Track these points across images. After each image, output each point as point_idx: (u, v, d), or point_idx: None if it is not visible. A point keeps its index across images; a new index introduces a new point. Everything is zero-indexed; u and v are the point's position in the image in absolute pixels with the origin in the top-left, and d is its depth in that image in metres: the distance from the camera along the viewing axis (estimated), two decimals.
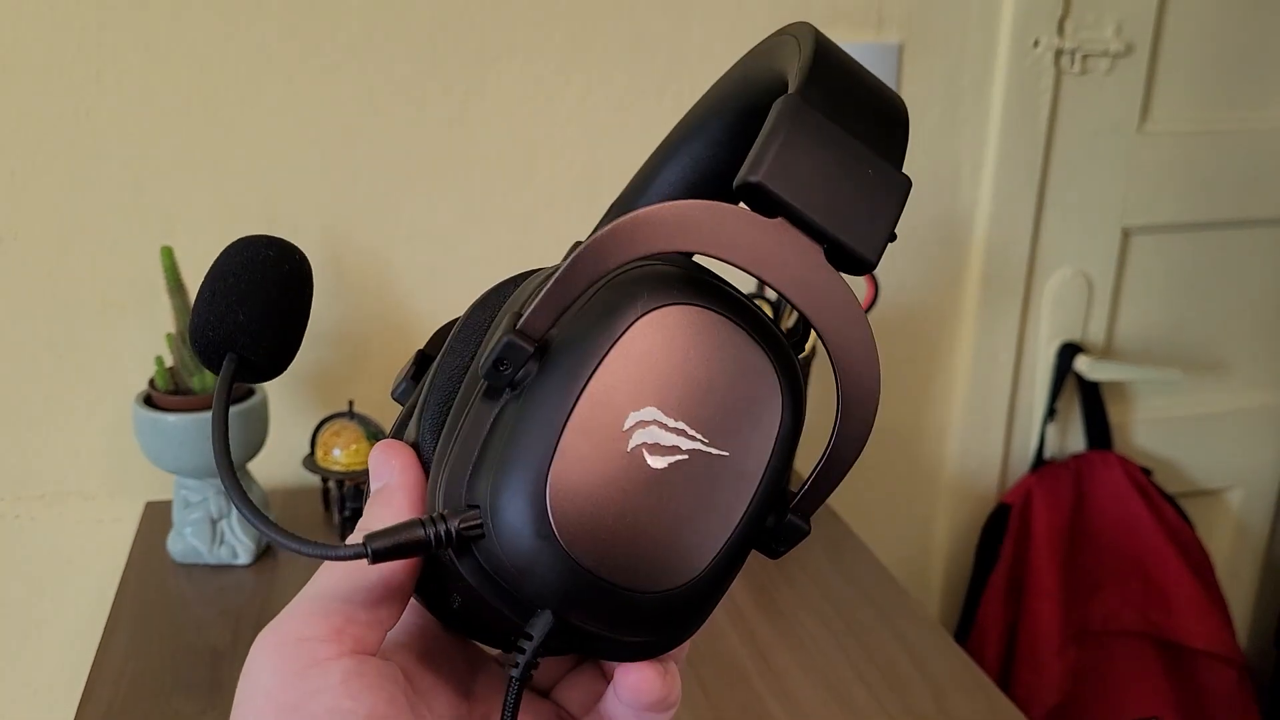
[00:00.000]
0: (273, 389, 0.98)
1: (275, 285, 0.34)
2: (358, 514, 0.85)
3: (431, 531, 0.30)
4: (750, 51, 0.38)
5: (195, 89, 0.94)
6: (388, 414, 1.01)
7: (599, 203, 0.76)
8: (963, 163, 1.16)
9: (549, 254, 0.34)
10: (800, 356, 0.32)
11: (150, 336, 0.97)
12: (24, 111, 0.91)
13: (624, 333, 0.30)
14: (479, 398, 0.31)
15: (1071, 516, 1.26)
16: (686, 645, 0.34)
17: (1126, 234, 1.25)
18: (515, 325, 0.30)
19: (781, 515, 0.31)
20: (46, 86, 0.91)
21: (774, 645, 0.84)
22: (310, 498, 1.03)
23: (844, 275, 0.32)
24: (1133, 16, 1.15)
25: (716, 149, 0.38)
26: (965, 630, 1.27)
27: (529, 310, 0.30)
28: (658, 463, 0.30)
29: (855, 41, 1.07)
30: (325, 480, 0.98)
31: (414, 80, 0.98)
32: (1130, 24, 1.15)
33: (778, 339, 0.32)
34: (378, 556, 0.29)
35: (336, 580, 0.31)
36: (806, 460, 1.09)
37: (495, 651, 0.37)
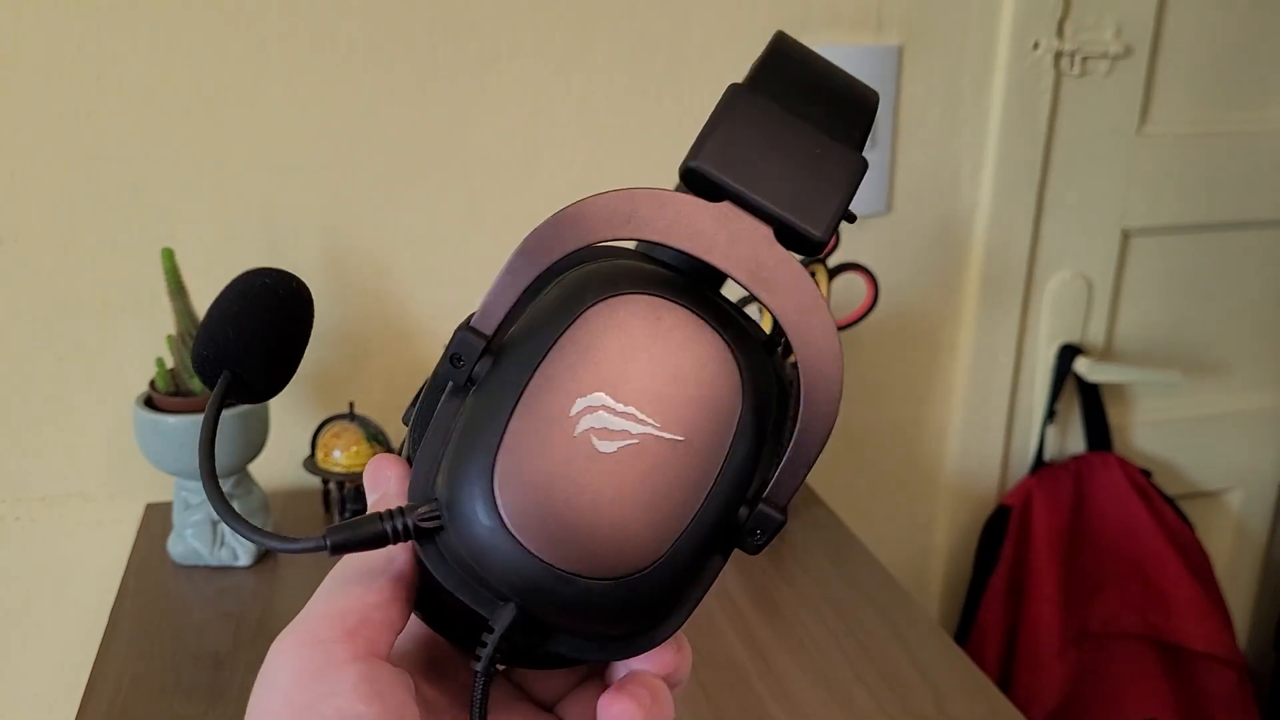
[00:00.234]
0: None
1: (267, 309, 0.35)
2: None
3: (389, 525, 0.30)
4: None
5: (195, 89, 0.94)
6: (388, 415, 1.01)
7: None
8: (962, 164, 1.16)
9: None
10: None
11: (151, 338, 0.97)
12: (24, 112, 0.91)
13: (573, 322, 0.30)
14: (446, 396, 0.32)
15: (1071, 518, 1.26)
16: (686, 667, 0.32)
17: (1126, 235, 1.25)
18: (468, 321, 0.30)
19: (754, 506, 0.30)
20: (46, 87, 0.91)
21: (774, 646, 0.84)
22: (311, 499, 1.03)
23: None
24: (1132, 18, 1.15)
25: None
26: (965, 632, 1.27)
27: (480, 305, 0.30)
28: (606, 447, 0.29)
29: (855, 43, 1.07)
30: (326, 482, 0.98)
31: (414, 81, 0.98)
32: (1130, 26, 1.15)
33: (739, 326, 0.32)
34: (335, 549, 0.30)
35: (349, 576, 0.31)
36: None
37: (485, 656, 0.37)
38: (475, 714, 0.30)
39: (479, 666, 0.30)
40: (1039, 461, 1.28)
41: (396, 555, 0.32)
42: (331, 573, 0.32)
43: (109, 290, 0.97)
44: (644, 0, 1.01)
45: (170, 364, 0.92)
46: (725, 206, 0.31)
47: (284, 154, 0.97)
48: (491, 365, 0.31)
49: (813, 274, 0.95)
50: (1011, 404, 1.27)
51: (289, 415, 1.02)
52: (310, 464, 0.96)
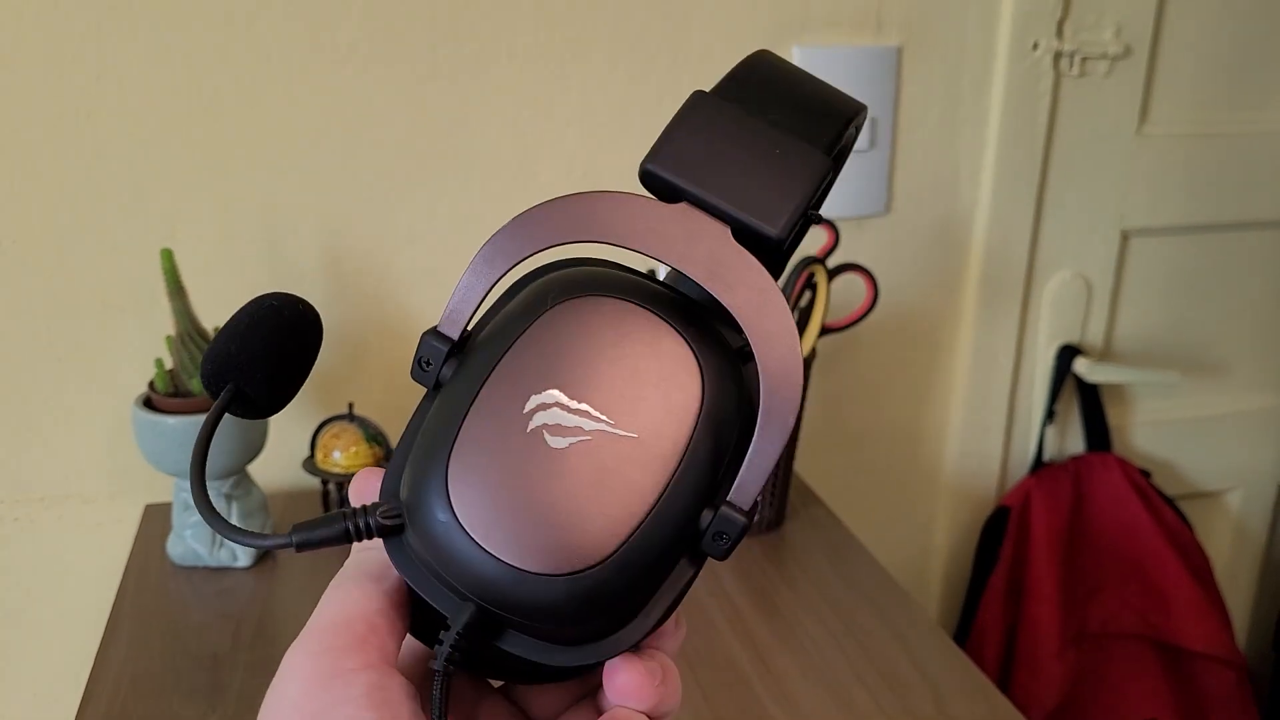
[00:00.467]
0: None
1: (272, 329, 0.35)
2: None
3: (351, 523, 0.30)
4: None
5: (195, 90, 0.94)
6: (387, 416, 1.01)
7: None
8: (962, 165, 1.16)
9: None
10: None
11: (150, 339, 0.97)
12: (24, 112, 0.91)
13: (533, 323, 0.31)
14: (422, 400, 0.32)
15: (1071, 519, 1.26)
16: (673, 699, 0.32)
17: (1125, 236, 1.25)
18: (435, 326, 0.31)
19: (716, 508, 0.30)
20: (46, 87, 0.91)
21: (773, 647, 0.84)
22: (310, 500, 1.03)
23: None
24: (1132, 19, 1.15)
25: None
26: (964, 632, 1.27)
27: (445, 309, 0.31)
28: (558, 443, 0.29)
29: (855, 44, 1.07)
30: (325, 483, 0.98)
31: (414, 82, 0.98)
32: (1129, 26, 1.15)
33: (711, 334, 0.32)
34: (301, 546, 0.31)
35: (354, 582, 0.32)
36: (804, 465, 1.09)
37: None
38: (435, 713, 0.30)
39: (436, 665, 0.30)
40: (1038, 462, 1.28)
41: None
42: (335, 579, 0.33)
43: (108, 291, 0.97)
44: (644, 0, 1.01)
45: (169, 365, 0.92)
46: (683, 207, 0.31)
47: (284, 154, 0.97)
48: (456, 369, 0.31)
49: (812, 275, 0.95)
50: (1011, 404, 1.27)
51: (288, 416, 1.02)
52: (310, 465, 0.96)
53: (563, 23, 1.00)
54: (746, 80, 0.33)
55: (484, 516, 0.29)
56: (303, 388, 0.37)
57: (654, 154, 0.31)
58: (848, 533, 1.01)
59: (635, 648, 0.31)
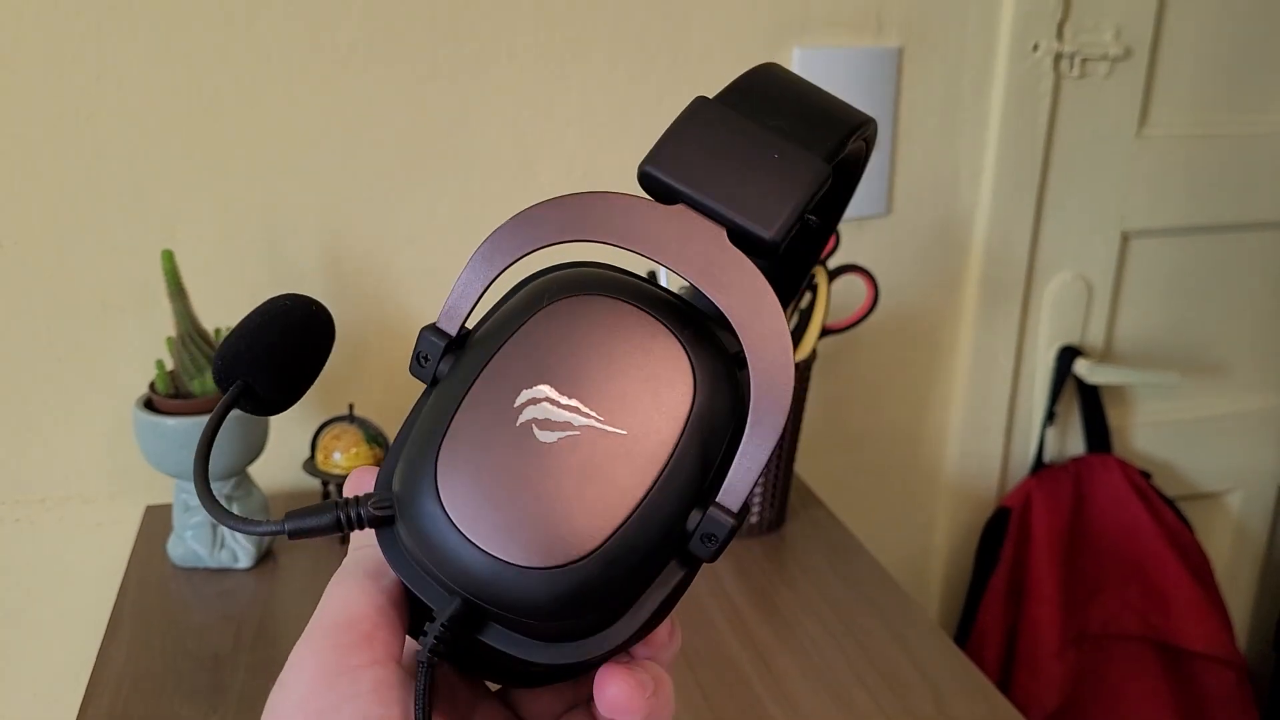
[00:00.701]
0: None
1: (283, 329, 0.36)
2: None
3: (343, 513, 0.31)
4: None
5: (195, 90, 0.94)
6: (387, 416, 1.01)
7: None
8: (962, 166, 1.16)
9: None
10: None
11: (150, 340, 0.97)
12: (24, 112, 0.91)
13: (528, 320, 0.31)
14: (420, 396, 0.33)
15: (1071, 520, 1.26)
16: (666, 712, 0.32)
17: (1126, 237, 1.25)
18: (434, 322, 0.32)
19: (704, 509, 0.30)
20: (46, 87, 0.91)
21: (773, 648, 0.84)
22: (310, 501, 1.02)
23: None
24: (1132, 20, 1.15)
25: None
26: (965, 633, 1.27)
27: (443, 306, 0.32)
28: (547, 437, 0.30)
29: (855, 45, 1.07)
30: (326, 484, 0.97)
31: (414, 82, 0.98)
32: (1129, 28, 1.15)
33: (708, 336, 0.32)
34: (294, 534, 0.31)
35: (357, 577, 0.32)
36: (804, 466, 1.09)
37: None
38: (418, 706, 0.30)
39: (422, 656, 0.30)
40: (1039, 463, 1.28)
41: None
42: (335, 576, 0.32)
43: (109, 292, 0.97)
44: (644, 0, 1.01)
45: (170, 366, 0.92)
46: (679, 209, 0.31)
47: (284, 154, 0.97)
48: (452, 363, 0.32)
49: (813, 276, 0.95)
50: (1011, 405, 1.27)
51: (289, 417, 1.02)
52: (310, 466, 0.96)
53: (563, 23, 1.00)
54: (750, 88, 0.33)
55: (470, 508, 0.29)
56: None
57: (653, 156, 0.32)
58: (848, 533, 1.01)
59: (627, 655, 0.31)
